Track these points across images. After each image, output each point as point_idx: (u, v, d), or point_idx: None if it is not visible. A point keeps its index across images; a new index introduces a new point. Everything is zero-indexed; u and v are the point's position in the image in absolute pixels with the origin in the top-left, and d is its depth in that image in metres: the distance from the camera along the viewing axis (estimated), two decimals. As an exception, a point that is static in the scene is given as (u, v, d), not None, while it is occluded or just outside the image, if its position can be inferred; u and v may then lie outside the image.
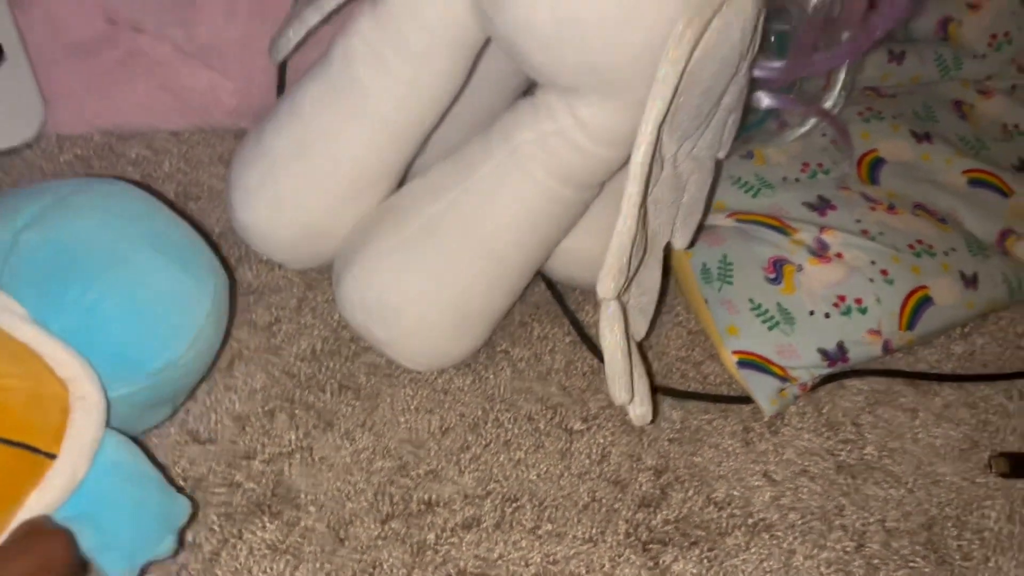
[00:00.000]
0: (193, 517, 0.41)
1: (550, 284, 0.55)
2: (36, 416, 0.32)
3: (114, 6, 0.57)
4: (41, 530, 0.31)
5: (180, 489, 0.42)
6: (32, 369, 0.32)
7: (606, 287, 0.39)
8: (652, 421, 0.45)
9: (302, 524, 0.43)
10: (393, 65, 0.43)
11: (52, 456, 0.32)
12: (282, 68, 0.58)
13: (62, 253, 0.34)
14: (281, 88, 0.58)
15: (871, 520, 0.48)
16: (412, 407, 0.48)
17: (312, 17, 0.44)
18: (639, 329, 0.46)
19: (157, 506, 0.37)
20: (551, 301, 0.55)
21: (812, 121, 0.57)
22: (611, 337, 0.40)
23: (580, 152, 0.41)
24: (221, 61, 0.58)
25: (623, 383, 0.41)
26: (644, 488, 0.47)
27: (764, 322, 0.53)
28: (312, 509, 0.44)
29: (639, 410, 0.43)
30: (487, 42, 0.44)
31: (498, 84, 0.52)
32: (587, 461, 0.48)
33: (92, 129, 0.59)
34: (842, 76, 0.55)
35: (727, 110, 0.41)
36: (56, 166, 0.56)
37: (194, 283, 0.37)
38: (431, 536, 0.44)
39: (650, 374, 0.46)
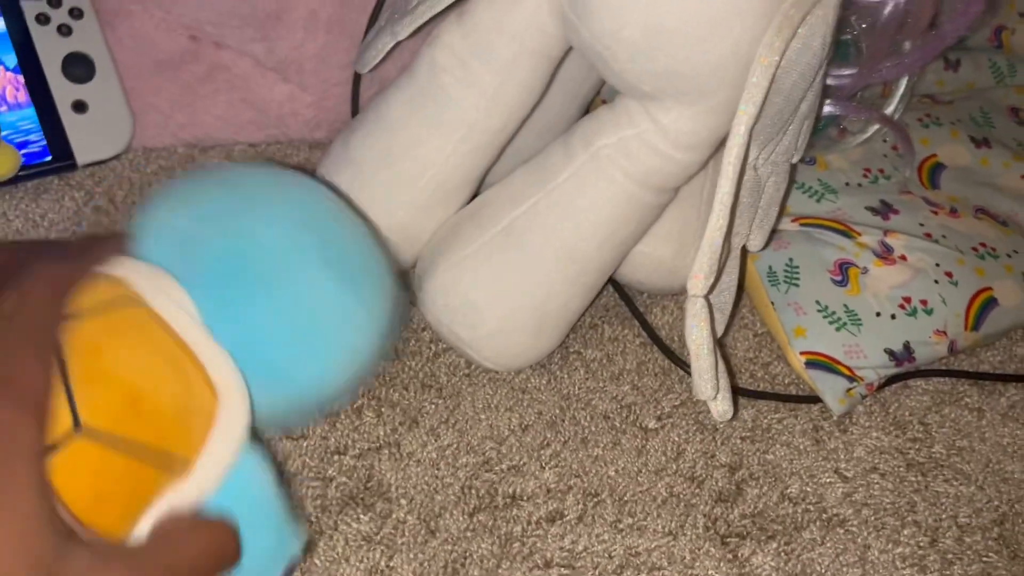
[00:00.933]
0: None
1: (618, 287, 0.56)
2: (180, 426, 0.30)
3: (197, 23, 0.59)
4: (205, 520, 0.31)
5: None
6: (186, 374, 0.31)
7: (697, 284, 0.40)
8: (733, 417, 0.47)
9: (394, 516, 0.45)
10: (479, 75, 0.45)
11: (185, 468, 0.31)
12: (356, 81, 0.60)
13: (235, 256, 0.32)
14: (355, 100, 0.60)
15: (943, 516, 0.49)
16: (492, 405, 0.50)
17: (404, 30, 0.46)
18: (718, 327, 0.47)
19: (272, 542, 0.35)
20: (620, 304, 0.56)
21: (873, 128, 0.59)
22: (699, 333, 0.42)
23: (659, 156, 0.43)
24: (299, 75, 0.61)
25: (709, 378, 0.42)
26: (720, 484, 0.48)
27: (831, 323, 0.54)
28: (403, 502, 0.45)
29: (722, 406, 0.44)
30: (567, 51, 0.46)
31: (571, 92, 0.54)
32: (663, 458, 0.49)
33: (176, 141, 0.61)
34: (904, 83, 0.56)
35: (803, 116, 0.42)
36: (143, 176, 0.59)
37: (362, 308, 0.35)
38: (517, 528, 0.45)
39: (729, 373, 0.48)
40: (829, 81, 0.48)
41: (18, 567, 0.24)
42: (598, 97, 0.59)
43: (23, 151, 0.55)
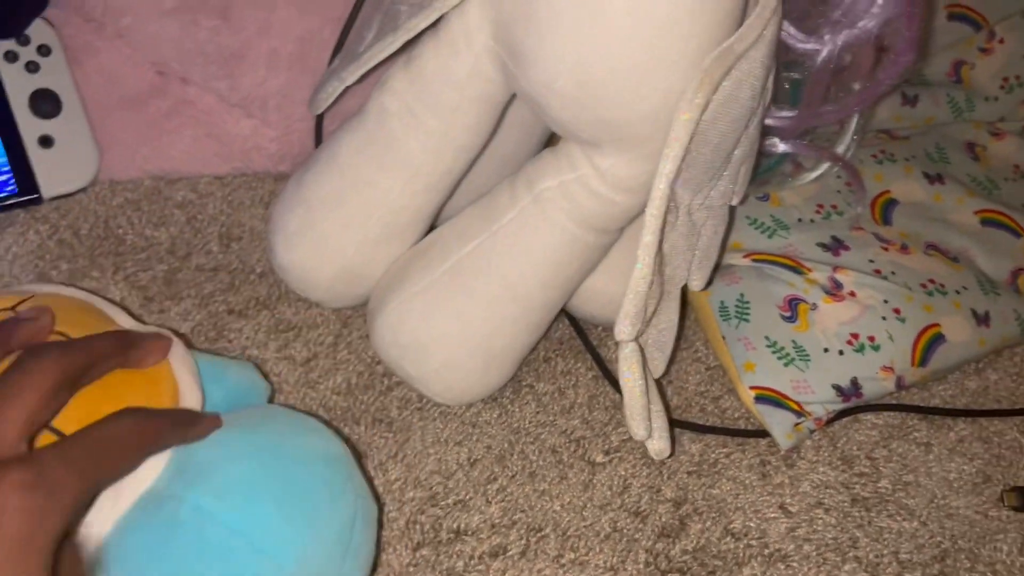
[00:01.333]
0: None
1: (573, 321, 0.57)
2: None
3: (163, 60, 0.61)
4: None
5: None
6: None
7: (623, 330, 0.41)
8: (671, 455, 0.47)
9: (338, 551, 0.45)
10: (425, 119, 0.46)
11: None
12: (319, 117, 0.61)
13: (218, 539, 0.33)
14: (319, 135, 0.61)
15: (884, 552, 0.50)
16: (442, 439, 0.51)
17: (351, 76, 0.47)
18: (657, 366, 0.48)
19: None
20: (574, 337, 0.57)
21: (826, 165, 0.60)
22: (629, 376, 0.42)
23: (599, 199, 0.44)
24: (262, 110, 0.62)
25: (641, 419, 0.43)
26: (664, 519, 0.49)
27: (780, 359, 0.55)
28: (347, 536, 0.46)
29: (658, 444, 0.45)
30: (513, 95, 0.47)
31: (521, 133, 0.55)
32: (609, 492, 0.50)
33: (142, 174, 0.62)
34: (854, 122, 0.57)
35: (739, 161, 0.43)
36: (108, 209, 0.60)
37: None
38: (460, 564, 0.46)
39: (668, 408, 0.48)
40: (769, 122, 0.49)
41: None
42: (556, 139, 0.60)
43: (-12, 186, 0.56)
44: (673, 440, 0.48)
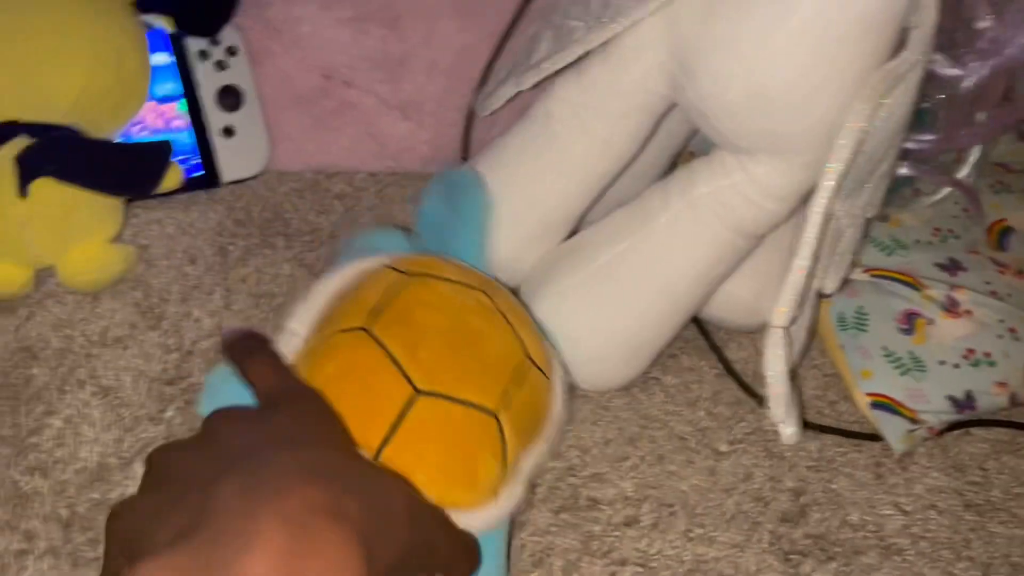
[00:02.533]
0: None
1: (698, 322, 0.61)
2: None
3: (332, 65, 0.67)
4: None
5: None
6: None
7: (781, 316, 0.45)
8: (799, 445, 0.51)
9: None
10: (591, 125, 0.51)
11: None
12: (468, 122, 0.67)
13: None
14: (467, 139, 0.67)
15: (997, 554, 0.52)
16: (578, 419, 0.55)
17: (527, 82, 0.52)
18: (792, 359, 0.52)
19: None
20: (698, 337, 0.61)
21: (945, 191, 0.63)
22: (777, 361, 0.46)
23: (751, 205, 0.48)
24: (418, 114, 0.68)
25: (783, 402, 0.47)
26: (785, 506, 0.53)
27: (896, 368, 0.58)
28: (496, 497, 0.51)
29: (790, 430, 0.49)
30: (670, 108, 0.52)
31: (664, 144, 0.59)
32: (733, 478, 0.54)
33: (306, 167, 0.69)
34: (976, 151, 0.61)
35: (882, 175, 0.47)
36: (276, 195, 0.67)
37: None
38: (597, 528, 0.50)
39: (800, 405, 0.52)
40: (909, 145, 0.53)
41: None
42: (685, 151, 0.65)
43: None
44: (803, 430, 0.51)
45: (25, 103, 0.52)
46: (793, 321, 0.46)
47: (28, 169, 0.51)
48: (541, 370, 0.43)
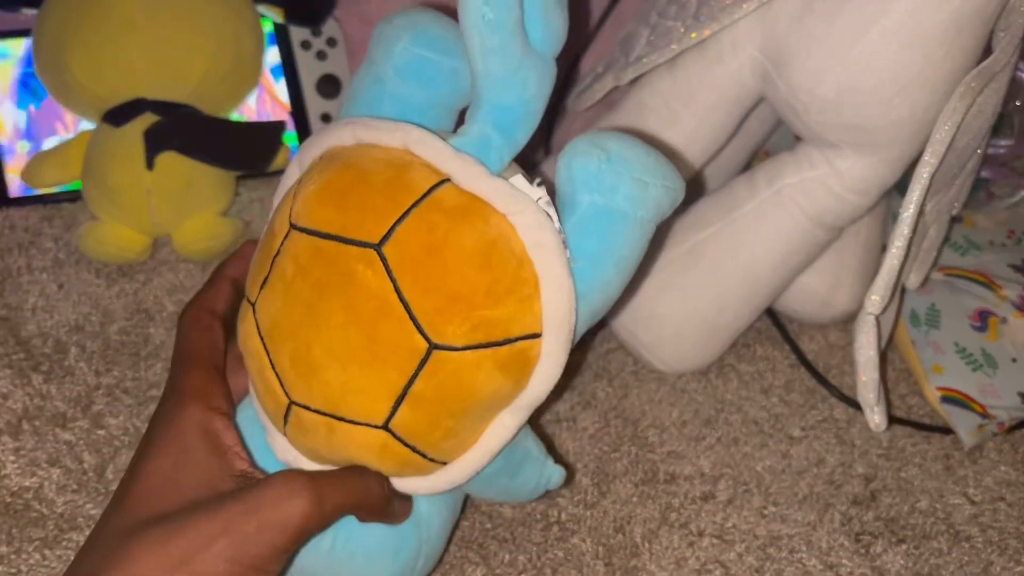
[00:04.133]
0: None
1: (772, 314, 0.63)
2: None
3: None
4: (362, 469, 0.38)
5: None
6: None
7: (874, 303, 0.47)
8: (886, 428, 0.53)
9: (574, 479, 0.53)
10: (681, 116, 0.54)
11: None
12: (553, 118, 0.70)
13: None
14: (549, 134, 0.70)
15: (1065, 547, 0.53)
16: (655, 400, 0.58)
17: (626, 77, 0.55)
18: (882, 346, 0.54)
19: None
20: (771, 328, 0.63)
21: (1020, 194, 0.64)
22: (868, 346, 0.48)
23: (834, 197, 0.50)
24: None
25: (873, 387, 0.49)
26: (856, 490, 0.55)
27: (968, 364, 0.59)
28: (579, 466, 0.53)
29: (878, 416, 0.51)
30: (757, 104, 0.54)
31: (744, 141, 0.62)
32: (805, 462, 0.56)
33: (397, 153, 0.72)
34: (1053, 155, 0.62)
35: (968, 173, 0.49)
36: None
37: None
38: (675, 501, 0.53)
39: (887, 393, 0.53)
40: (988, 151, 0.54)
41: None
42: (761, 150, 0.67)
43: (284, 149, 0.67)
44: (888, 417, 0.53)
45: (154, 83, 0.57)
46: (884, 310, 0.48)
47: (155, 143, 0.56)
48: (476, 345, 0.35)
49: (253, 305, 0.38)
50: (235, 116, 0.64)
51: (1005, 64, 0.44)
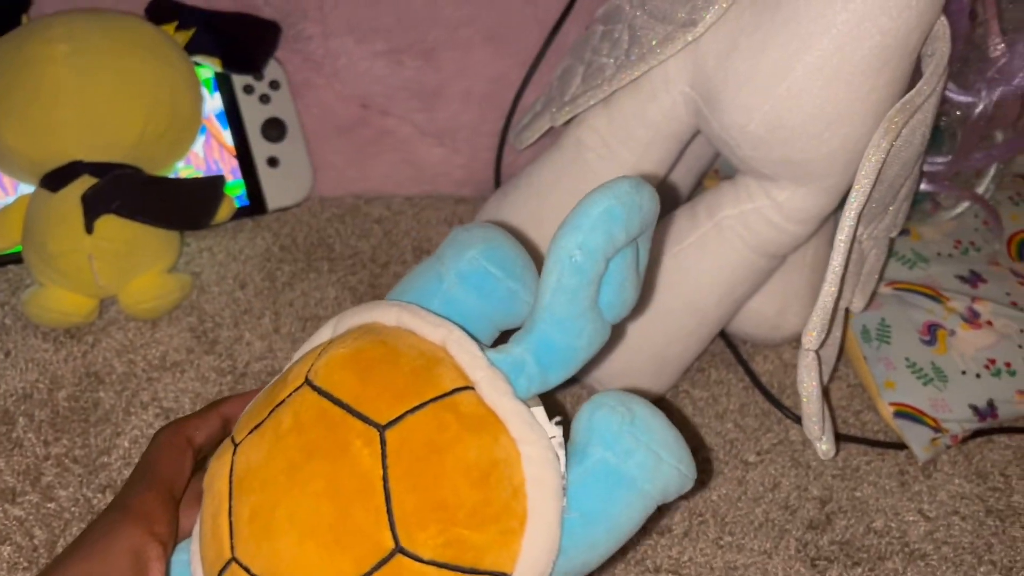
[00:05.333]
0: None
1: (725, 336, 0.64)
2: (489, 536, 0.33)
3: (370, 94, 0.70)
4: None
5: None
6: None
7: (811, 339, 0.48)
8: (835, 455, 0.53)
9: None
10: (619, 153, 0.54)
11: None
12: (500, 148, 0.70)
13: None
14: (499, 164, 0.70)
15: (1018, 558, 0.54)
16: (612, 432, 0.58)
17: (562, 118, 0.55)
18: (824, 377, 0.54)
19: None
20: (725, 351, 0.64)
21: (965, 204, 0.65)
22: (809, 381, 0.49)
23: (774, 228, 0.51)
24: (453, 141, 0.71)
25: (818, 421, 0.49)
26: (811, 514, 0.55)
27: (919, 378, 0.60)
28: (536, 508, 0.54)
29: (826, 446, 0.51)
30: (694, 135, 0.54)
31: (690, 166, 0.62)
32: (761, 488, 0.56)
33: (347, 193, 0.72)
34: (993, 167, 0.62)
35: (903, 199, 0.50)
36: (319, 221, 0.70)
37: None
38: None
39: (833, 418, 0.54)
40: (925, 168, 0.55)
41: None
42: (711, 169, 0.67)
43: (230, 198, 0.66)
44: (838, 444, 0.54)
45: (89, 145, 0.56)
46: (823, 343, 0.49)
47: (93, 207, 0.55)
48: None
49: (236, 445, 0.36)
50: (182, 166, 0.64)
51: (931, 92, 0.44)
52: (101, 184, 0.56)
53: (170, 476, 0.38)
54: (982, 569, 0.53)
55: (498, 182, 0.71)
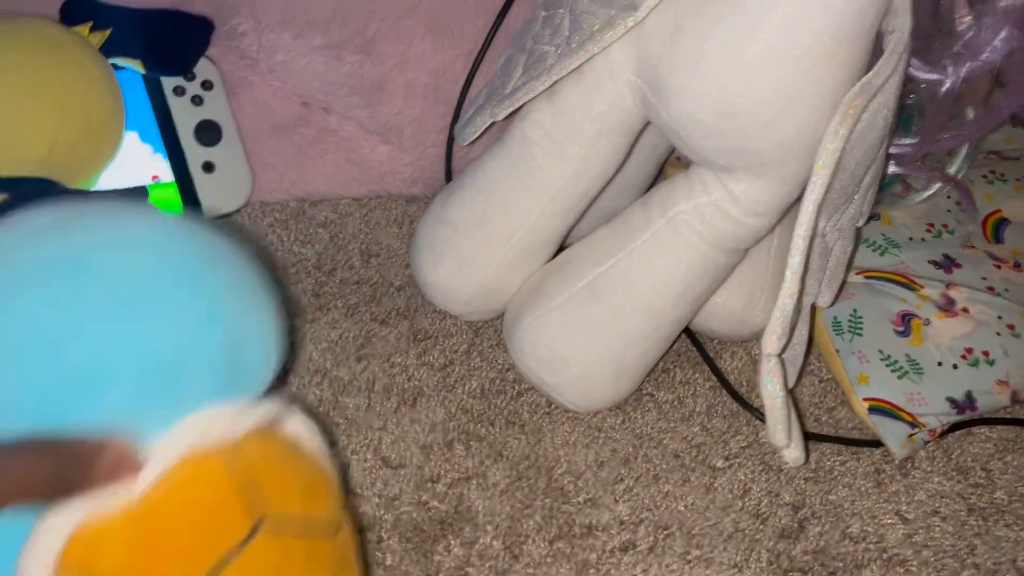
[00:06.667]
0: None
1: (690, 334, 0.60)
2: None
3: (310, 91, 0.67)
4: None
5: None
6: None
7: (771, 344, 0.44)
8: (805, 462, 0.50)
9: (481, 541, 0.50)
10: (566, 148, 0.50)
11: None
12: (450, 143, 0.66)
13: None
14: (449, 159, 0.66)
15: (1003, 560, 0.51)
16: (570, 442, 0.55)
17: (502, 112, 0.51)
18: (790, 379, 0.51)
19: None
20: (691, 349, 0.60)
21: (937, 185, 0.62)
22: (772, 387, 0.46)
23: (731, 221, 0.47)
24: (398, 138, 0.67)
25: (783, 428, 0.46)
26: (783, 521, 0.52)
27: (894, 371, 0.57)
28: (489, 528, 0.50)
29: (794, 453, 0.48)
30: (646, 125, 0.51)
31: (646, 156, 0.59)
32: (730, 495, 0.53)
33: (288, 196, 0.68)
34: (966, 146, 0.59)
35: (867, 187, 0.46)
36: (260, 227, 0.66)
37: None
38: (593, 556, 0.50)
39: (800, 420, 0.51)
40: (892, 150, 0.52)
41: None
42: (672, 155, 0.64)
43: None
44: (807, 449, 0.51)
45: (-3, 158, 0.52)
46: (786, 346, 0.46)
47: (4, 225, 0.51)
48: None
49: None
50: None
51: (891, 72, 0.41)
52: (12, 199, 0.52)
53: None
54: (965, 573, 0.50)
55: (449, 178, 0.67)
